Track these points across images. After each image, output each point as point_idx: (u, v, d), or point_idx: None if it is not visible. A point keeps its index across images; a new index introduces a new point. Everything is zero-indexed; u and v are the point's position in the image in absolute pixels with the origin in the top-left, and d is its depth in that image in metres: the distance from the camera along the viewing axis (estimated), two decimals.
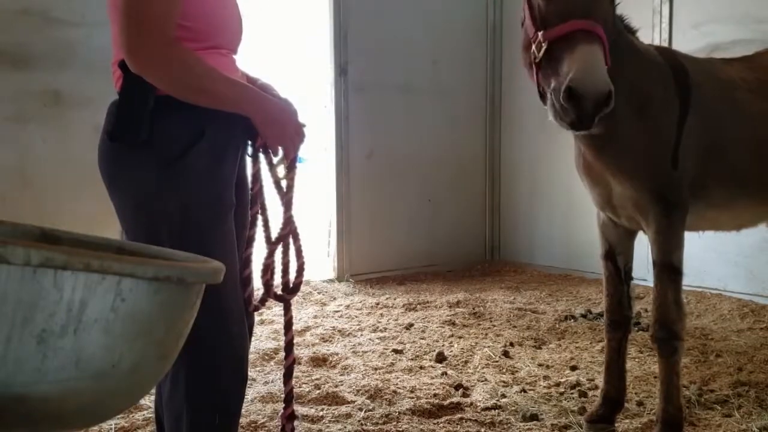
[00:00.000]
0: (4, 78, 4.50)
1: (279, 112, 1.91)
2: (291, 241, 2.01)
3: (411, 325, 4.49)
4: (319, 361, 3.80)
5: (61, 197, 4.66)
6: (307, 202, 6.47)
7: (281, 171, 1.98)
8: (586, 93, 2.09)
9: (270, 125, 1.89)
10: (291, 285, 2.04)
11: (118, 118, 1.79)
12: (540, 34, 2.25)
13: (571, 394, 3.30)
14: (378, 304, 5.08)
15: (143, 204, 1.81)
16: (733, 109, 2.76)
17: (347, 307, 5.01)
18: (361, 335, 4.29)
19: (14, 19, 4.51)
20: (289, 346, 2.07)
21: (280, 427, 2.15)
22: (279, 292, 2.04)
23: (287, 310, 2.08)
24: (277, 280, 2.00)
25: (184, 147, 1.79)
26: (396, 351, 3.94)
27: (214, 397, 1.84)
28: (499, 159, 6.76)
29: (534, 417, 2.99)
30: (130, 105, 1.79)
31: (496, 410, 3.07)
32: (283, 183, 1.99)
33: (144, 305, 1.20)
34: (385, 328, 4.43)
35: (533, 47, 2.28)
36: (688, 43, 4.99)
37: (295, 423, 2.11)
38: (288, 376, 2.09)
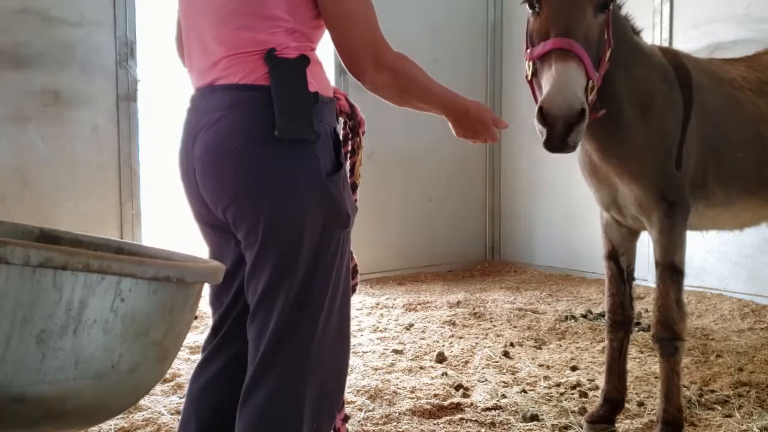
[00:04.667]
0: (4, 78, 4.50)
1: (473, 111, 1.90)
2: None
3: (411, 325, 4.48)
4: None
5: (61, 197, 4.66)
6: None
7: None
8: (556, 113, 2.10)
9: (463, 125, 1.92)
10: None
11: (283, 115, 1.62)
12: (528, 51, 2.28)
13: (572, 394, 3.29)
14: (378, 304, 5.07)
15: (330, 210, 1.69)
16: (734, 108, 2.76)
17: None
18: (361, 335, 4.28)
19: (14, 18, 4.51)
20: None
21: None
22: None
23: None
24: None
25: (335, 148, 1.74)
26: (396, 351, 3.94)
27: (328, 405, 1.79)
28: (500, 159, 6.75)
29: (534, 417, 2.99)
30: (298, 102, 1.65)
31: (497, 410, 3.07)
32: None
33: (143, 305, 1.19)
34: (385, 329, 4.43)
35: (527, 63, 2.31)
36: (689, 43, 4.99)
37: None
38: None
